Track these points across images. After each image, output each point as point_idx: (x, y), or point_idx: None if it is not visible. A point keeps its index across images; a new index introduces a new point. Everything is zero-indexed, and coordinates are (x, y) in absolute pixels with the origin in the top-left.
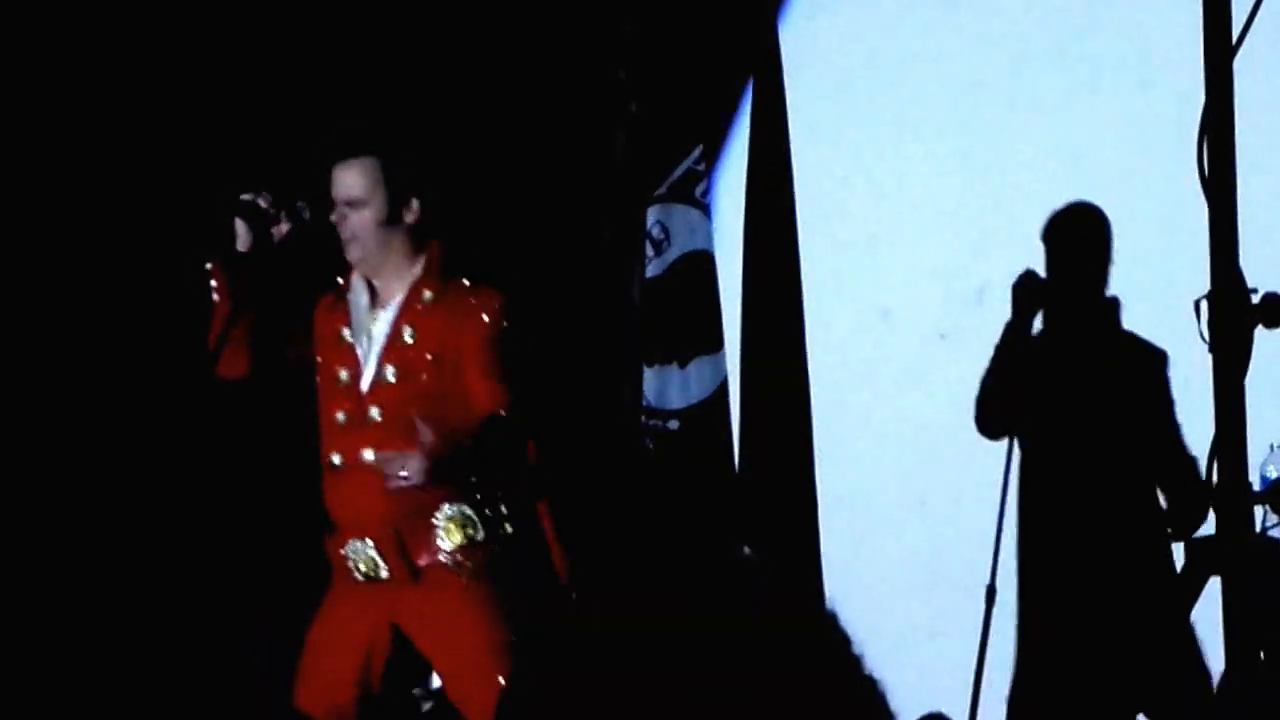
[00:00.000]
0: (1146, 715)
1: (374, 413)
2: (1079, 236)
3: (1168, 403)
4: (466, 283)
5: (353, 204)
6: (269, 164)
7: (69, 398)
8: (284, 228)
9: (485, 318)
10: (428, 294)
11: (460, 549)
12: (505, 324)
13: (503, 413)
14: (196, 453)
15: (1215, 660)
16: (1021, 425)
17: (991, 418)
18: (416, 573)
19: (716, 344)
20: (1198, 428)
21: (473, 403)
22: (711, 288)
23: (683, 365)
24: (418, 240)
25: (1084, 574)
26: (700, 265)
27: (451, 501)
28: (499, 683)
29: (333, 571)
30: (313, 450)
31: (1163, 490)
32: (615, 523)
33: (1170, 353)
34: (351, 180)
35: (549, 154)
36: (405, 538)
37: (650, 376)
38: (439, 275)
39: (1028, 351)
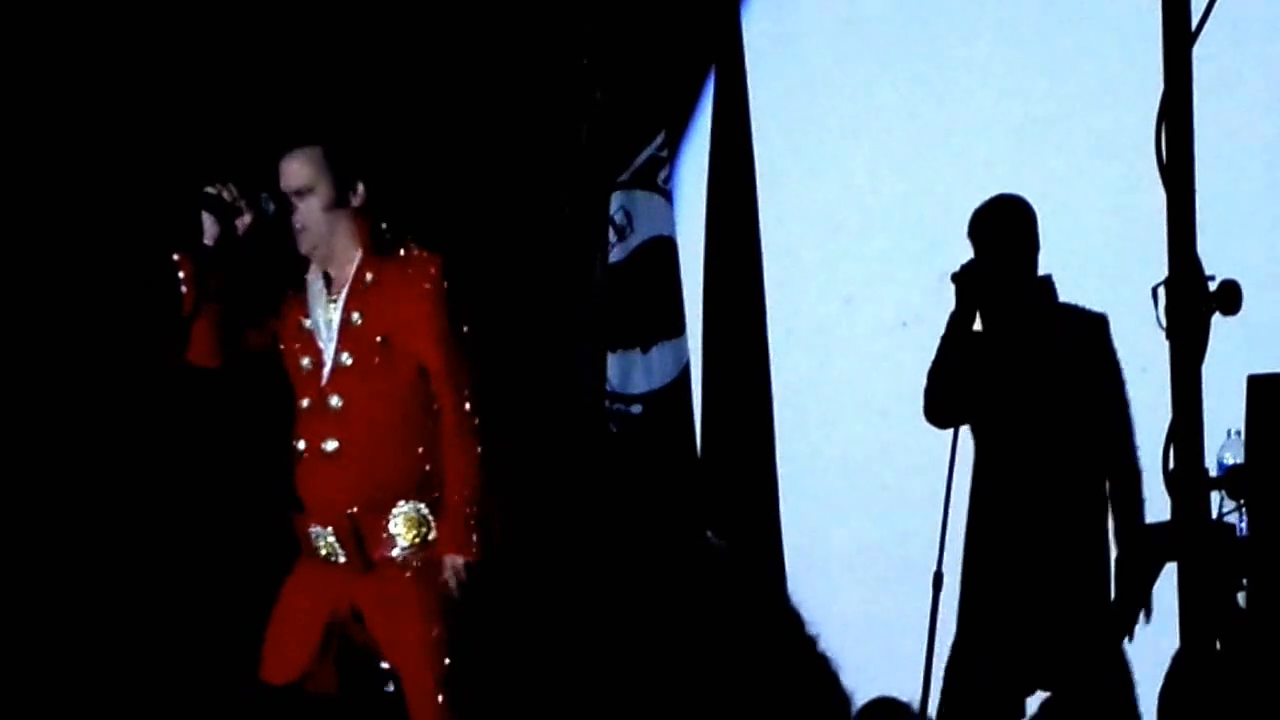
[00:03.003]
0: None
1: (334, 400)
2: (1006, 227)
3: (1114, 366)
4: (402, 253)
5: (300, 193)
6: (233, 157)
7: (39, 389)
8: (247, 219)
9: (426, 285)
10: (369, 276)
11: (412, 546)
12: (444, 284)
13: (460, 409)
14: (167, 440)
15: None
16: (969, 414)
17: (938, 407)
18: (369, 564)
19: (679, 329)
20: (1155, 414)
21: (427, 369)
22: (674, 273)
23: (645, 350)
24: (361, 227)
25: (1026, 559)
26: (663, 251)
27: (407, 499)
28: (440, 671)
29: (301, 547)
30: (281, 435)
31: (1108, 465)
32: (578, 506)
33: (1128, 339)
34: (296, 169)
35: (513, 141)
36: (362, 529)
37: (613, 361)
38: (375, 254)
39: (972, 340)
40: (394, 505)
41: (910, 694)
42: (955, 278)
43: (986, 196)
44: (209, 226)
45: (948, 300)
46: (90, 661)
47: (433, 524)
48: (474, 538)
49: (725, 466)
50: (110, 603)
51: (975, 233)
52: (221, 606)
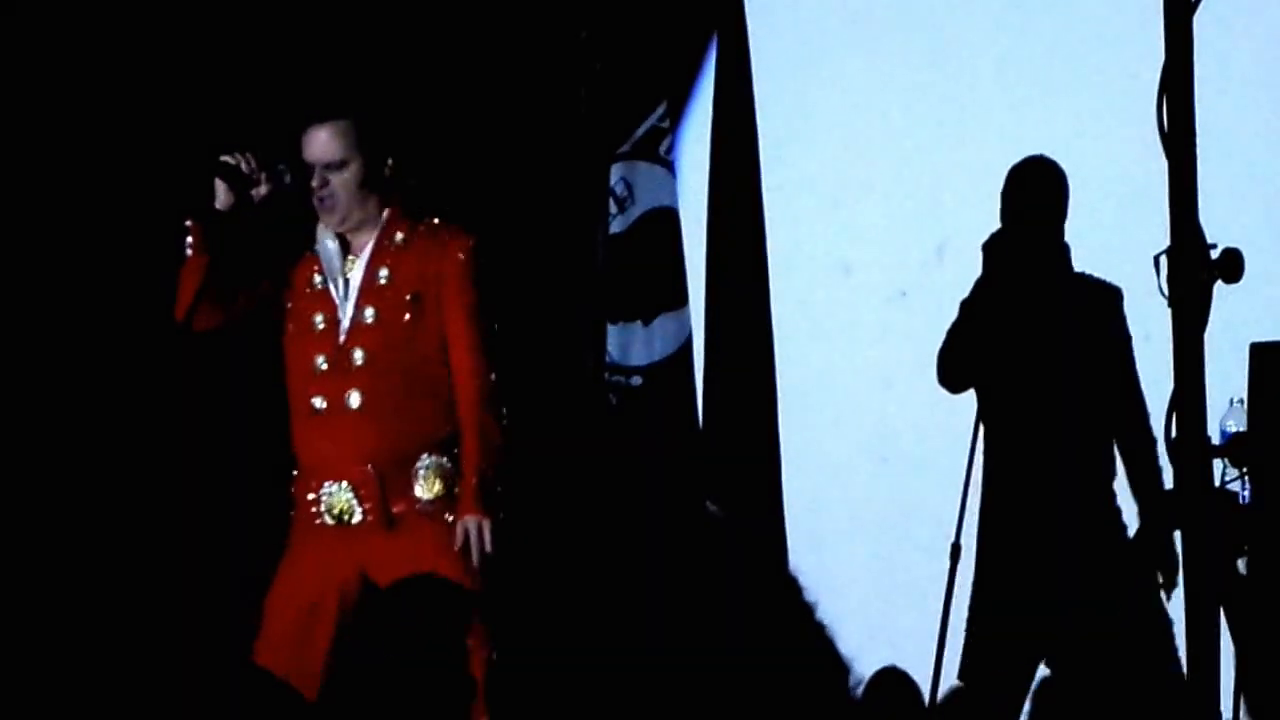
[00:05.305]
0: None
1: (357, 356)
2: (1039, 189)
3: (1125, 340)
4: (436, 221)
5: (331, 166)
6: (251, 125)
7: (48, 355)
8: (263, 190)
9: (460, 255)
10: (399, 235)
11: (436, 499)
12: (480, 262)
13: (485, 378)
14: (170, 403)
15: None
16: (983, 379)
17: (953, 371)
18: (391, 520)
19: (680, 301)
20: (1158, 382)
21: (450, 343)
22: (675, 245)
23: (646, 322)
24: (388, 197)
25: (1043, 529)
26: (664, 222)
27: (432, 453)
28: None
29: (294, 524)
30: (273, 396)
31: (1118, 436)
32: (579, 479)
33: (1131, 308)
34: (327, 141)
35: (513, 113)
36: (386, 483)
37: (614, 333)
38: (406, 218)
39: (991, 305)
40: (418, 459)
41: (911, 663)
42: (986, 246)
43: (986, 166)
44: (222, 193)
45: (946, 269)
46: (77, 639)
47: (455, 477)
48: (494, 502)
49: (727, 438)
50: (94, 580)
51: (1008, 192)
52: (211, 586)
